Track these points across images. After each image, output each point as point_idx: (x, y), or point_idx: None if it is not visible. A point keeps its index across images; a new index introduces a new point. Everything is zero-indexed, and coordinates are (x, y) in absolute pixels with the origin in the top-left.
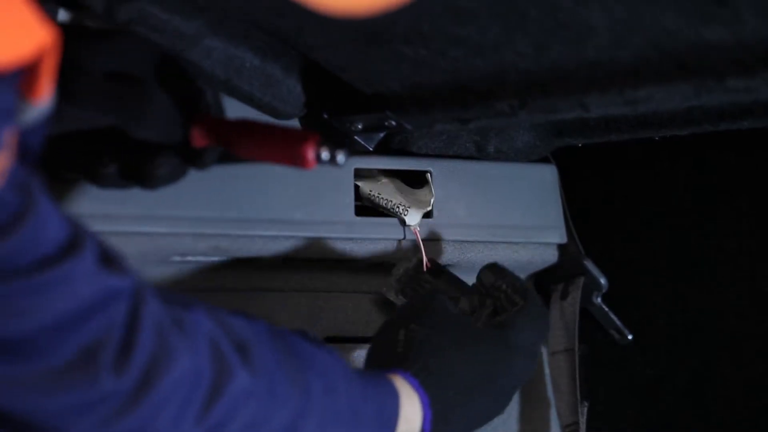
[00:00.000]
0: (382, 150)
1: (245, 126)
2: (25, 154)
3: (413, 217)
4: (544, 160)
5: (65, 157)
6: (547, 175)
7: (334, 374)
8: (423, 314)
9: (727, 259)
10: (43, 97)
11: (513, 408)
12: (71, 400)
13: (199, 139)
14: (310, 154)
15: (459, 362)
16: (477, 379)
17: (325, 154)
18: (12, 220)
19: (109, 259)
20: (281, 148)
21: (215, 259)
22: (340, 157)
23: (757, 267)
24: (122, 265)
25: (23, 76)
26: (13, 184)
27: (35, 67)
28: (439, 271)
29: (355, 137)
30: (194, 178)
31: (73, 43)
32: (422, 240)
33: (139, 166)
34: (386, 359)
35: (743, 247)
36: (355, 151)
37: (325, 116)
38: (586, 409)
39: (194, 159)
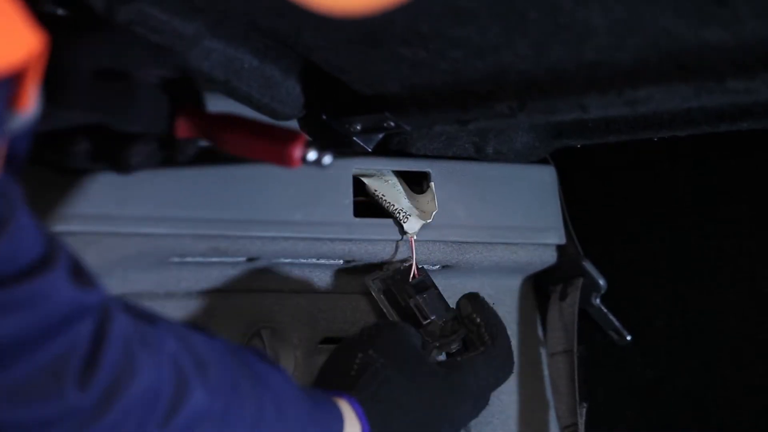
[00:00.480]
0: (381, 151)
1: (231, 120)
2: (9, 161)
3: (412, 226)
4: (543, 161)
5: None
6: (546, 177)
7: (286, 397)
8: (385, 343)
9: (726, 260)
10: (29, 105)
11: (512, 409)
12: (36, 413)
13: (183, 130)
14: (296, 153)
15: (408, 397)
16: (422, 416)
17: (311, 155)
18: None
19: (80, 274)
20: (267, 145)
21: (214, 260)
22: (326, 158)
23: (757, 268)
24: (92, 279)
25: (10, 84)
26: None
27: (22, 74)
28: (424, 286)
29: (354, 138)
30: (193, 179)
31: (61, 39)
32: (422, 240)
33: (113, 149)
34: (338, 380)
35: (743, 249)
36: (354, 152)
37: (324, 117)
38: (584, 410)
39: (175, 150)
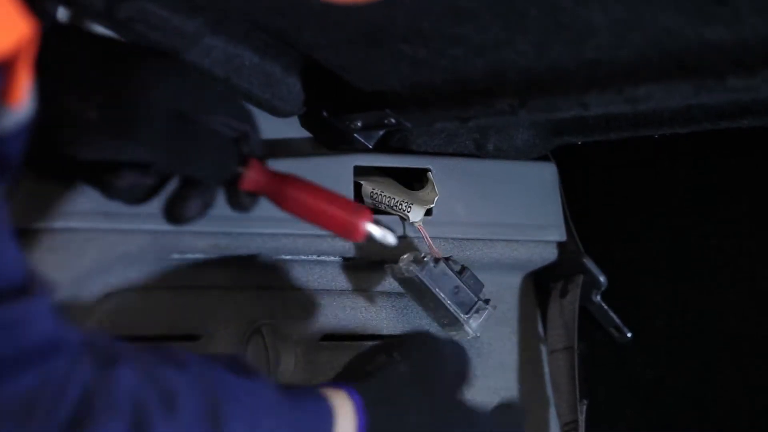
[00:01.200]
0: (382, 148)
1: (297, 183)
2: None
3: (416, 214)
4: (543, 158)
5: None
6: (546, 174)
7: (260, 408)
8: (415, 350)
9: (727, 259)
10: (22, 100)
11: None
12: None
13: (248, 183)
14: (363, 228)
15: (414, 409)
16: (428, 426)
17: (377, 232)
18: None
19: (56, 310)
20: (332, 214)
21: (214, 256)
22: (390, 237)
23: (757, 267)
24: (67, 321)
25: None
26: None
27: (12, 64)
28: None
29: (355, 135)
30: None
31: (141, 73)
32: (421, 238)
33: (173, 198)
34: (351, 374)
35: (743, 248)
36: (354, 149)
37: (325, 114)
38: (585, 408)
39: (235, 200)
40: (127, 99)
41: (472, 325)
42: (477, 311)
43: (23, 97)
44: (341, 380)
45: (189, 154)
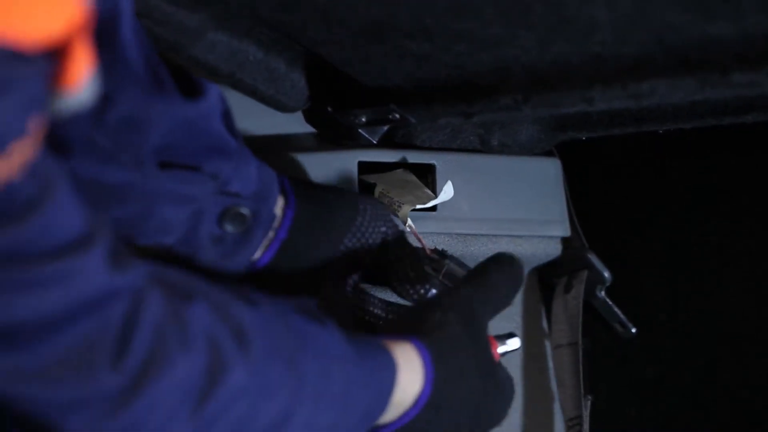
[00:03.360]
0: (386, 143)
1: None
2: (60, 145)
3: (404, 213)
4: (547, 153)
5: None
6: (550, 169)
7: (331, 355)
8: (464, 314)
9: (730, 256)
10: (80, 83)
11: (516, 402)
12: (67, 394)
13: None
14: (495, 353)
15: (471, 378)
16: (477, 403)
17: (502, 349)
18: (23, 209)
19: (117, 255)
20: None
21: None
22: (514, 341)
23: (761, 265)
24: (130, 260)
25: (54, 59)
26: (31, 174)
27: (66, 48)
28: (440, 262)
29: (359, 130)
30: None
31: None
32: (426, 233)
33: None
34: (413, 327)
35: (747, 245)
36: (358, 144)
37: (329, 109)
38: (589, 403)
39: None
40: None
41: None
42: None
43: (82, 80)
44: (402, 332)
45: None
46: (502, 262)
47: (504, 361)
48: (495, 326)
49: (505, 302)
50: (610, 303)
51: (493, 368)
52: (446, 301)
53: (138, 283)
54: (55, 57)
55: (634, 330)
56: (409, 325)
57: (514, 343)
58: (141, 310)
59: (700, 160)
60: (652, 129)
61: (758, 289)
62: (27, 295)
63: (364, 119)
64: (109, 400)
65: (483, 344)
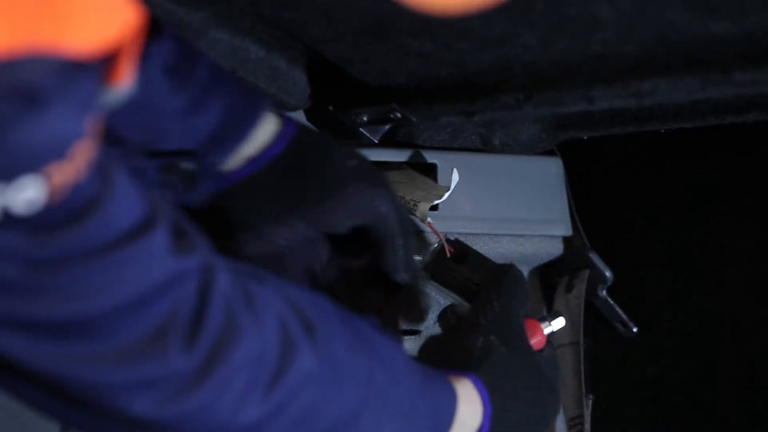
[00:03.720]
0: (388, 142)
1: None
2: (105, 136)
3: (422, 210)
4: (549, 152)
5: None
6: (552, 168)
7: (398, 366)
8: (504, 330)
9: (731, 255)
10: (125, 80)
11: None
12: (138, 376)
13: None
14: (542, 335)
15: (523, 393)
16: (532, 414)
17: (548, 329)
18: (88, 206)
19: (182, 237)
20: None
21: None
22: (558, 321)
23: (762, 264)
24: (195, 241)
25: (107, 61)
26: (93, 171)
27: (118, 53)
28: (462, 254)
29: (361, 129)
30: None
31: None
32: (429, 232)
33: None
34: (460, 360)
35: (748, 245)
36: (360, 143)
37: (331, 108)
38: (590, 402)
39: None
40: None
41: None
42: None
43: (126, 78)
44: (448, 366)
45: None
46: (504, 269)
47: None
48: None
49: (527, 299)
50: (612, 302)
51: (540, 370)
52: (483, 323)
53: (206, 260)
54: (109, 61)
55: (635, 329)
56: (457, 357)
57: (558, 323)
58: (211, 286)
59: (701, 159)
60: (653, 128)
61: (759, 289)
62: (99, 284)
63: (365, 118)
64: (180, 381)
65: (528, 353)
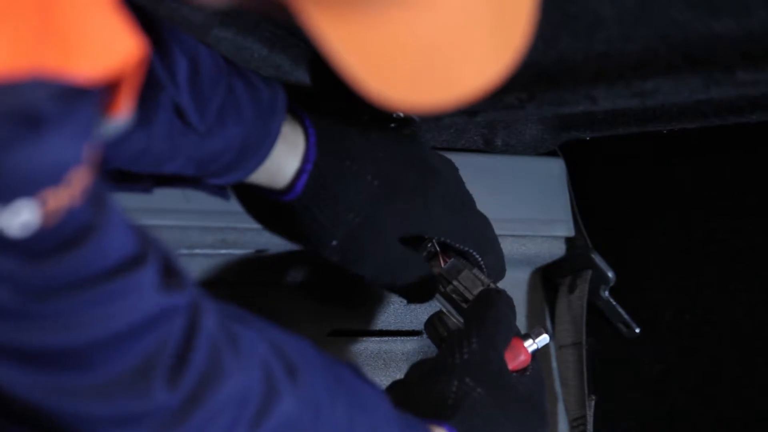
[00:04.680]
0: None
1: None
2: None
3: None
4: (551, 153)
5: None
6: (554, 169)
7: (378, 414)
8: (480, 371)
9: (735, 254)
10: (123, 112)
11: None
12: (120, 411)
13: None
14: (526, 353)
15: (506, 427)
16: None
17: (532, 348)
18: (80, 234)
19: (170, 273)
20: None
21: (222, 252)
22: (543, 338)
23: (766, 265)
24: (183, 279)
25: (107, 89)
26: (88, 199)
27: (118, 84)
28: (456, 270)
29: None
30: None
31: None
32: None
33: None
34: (434, 407)
35: (752, 243)
36: None
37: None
38: (593, 403)
39: None
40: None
41: None
42: None
43: (124, 109)
44: (424, 414)
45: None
46: (491, 296)
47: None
48: None
49: (513, 328)
50: (614, 303)
51: (524, 398)
52: (459, 365)
53: (194, 299)
54: (109, 90)
55: (638, 330)
56: (431, 404)
57: (542, 340)
58: (198, 325)
59: (703, 159)
60: (656, 129)
61: (762, 289)
62: (87, 316)
63: (367, 118)
64: (162, 418)
65: (508, 388)
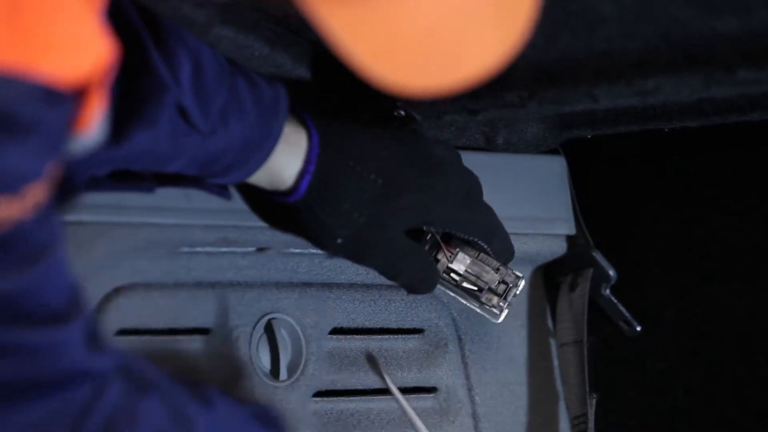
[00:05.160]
0: None
1: None
2: (64, 188)
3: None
4: (553, 151)
5: None
6: (556, 167)
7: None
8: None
9: (736, 252)
10: (91, 127)
11: (521, 399)
12: None
13: None
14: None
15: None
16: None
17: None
18: (35, 252)
19: (93, 338)
20: None
21: (224, 249)
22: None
23: (766, 261)
24: (105, 345)
25: (76, 102)
26: (41, 218)
27: (87, 91)
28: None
29: None
30: None
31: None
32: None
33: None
34: None
35: (754, 241)
36: None
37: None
38: (594, 401)
39: None
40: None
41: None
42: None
43: (93, 124)
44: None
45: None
46: None
47: (510, 358)
48: (501, 324)
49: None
50: (615, 301)
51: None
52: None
53: (106, 370)
54: (76, 100)
55: (639, 328)
56: None
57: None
58: (99, 399)
59: (705, 157)
60: (657, 127)
61: (764, 288)
62: (6, 358)
63: (368, 116)
64: None
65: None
